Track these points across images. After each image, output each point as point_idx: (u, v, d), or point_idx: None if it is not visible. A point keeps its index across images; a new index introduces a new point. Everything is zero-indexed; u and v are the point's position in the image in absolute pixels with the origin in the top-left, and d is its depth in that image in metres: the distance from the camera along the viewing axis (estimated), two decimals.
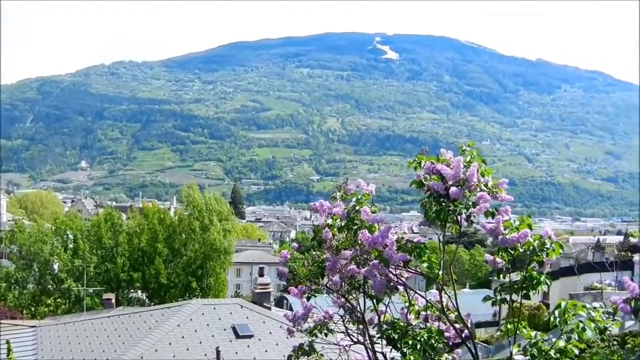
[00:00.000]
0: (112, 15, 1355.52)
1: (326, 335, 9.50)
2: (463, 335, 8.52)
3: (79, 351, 23.70)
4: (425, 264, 8.23)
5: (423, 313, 8.97)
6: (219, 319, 24.34)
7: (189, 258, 62.19)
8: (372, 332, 9.19)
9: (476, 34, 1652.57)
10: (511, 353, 7.54)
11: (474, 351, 8.17)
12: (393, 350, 8.68)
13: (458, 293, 8.84)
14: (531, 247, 7.43)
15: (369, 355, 9.22)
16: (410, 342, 7.97)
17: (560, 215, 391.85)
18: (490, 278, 72.93)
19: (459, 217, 7.81)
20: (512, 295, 7.71)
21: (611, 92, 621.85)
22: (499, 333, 44.13)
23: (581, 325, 7.07)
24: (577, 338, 7.09)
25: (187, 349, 22.11)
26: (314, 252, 9.23)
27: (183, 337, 22.76)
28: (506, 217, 7.62)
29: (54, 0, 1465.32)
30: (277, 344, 22.54)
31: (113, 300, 48.76)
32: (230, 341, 22.97)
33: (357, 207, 8.56)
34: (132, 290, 63.18)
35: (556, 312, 7.22)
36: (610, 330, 7.21)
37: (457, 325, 8.53)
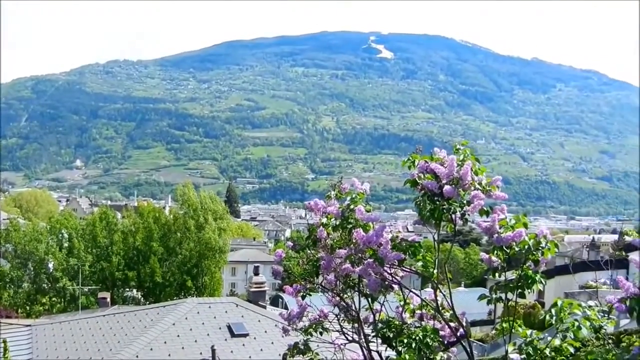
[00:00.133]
0: (106, 14, 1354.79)
1: (321, 333, 9.50)
2: (458, 333, 8.52)
3: (74, 350, 23.68)
4: (420, 263, 8.24)
5: (418, 312, 8.97)
6: (214, 317, 24.33)
7: (184, 257, 62.13)
8: (367, 330, 9.19)
9: (471, 33, 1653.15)
10: (506, 352, 7.54)
11: (469, 350, 8.17)
12: (388, 348, 8.67)
13: (453, 292, 8.86)
14: (526, 246, 7.44)
15: (364, 354, 9.21)
16: (405, 340, 7.98)
17: (555, 214, 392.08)
18: (486, 277, 73.30)
19: (453, 216, 7.80)
20: (508, 293, 7.72)
21: (606, 91, 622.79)
22: (494, 332, 44.29)
23: (577, 324, 7.08)
24: (572, 337, 7.09)
25: (183, 348, 22.10)
26: (308, 251, 9.22)
27: (178, 335, 22.75)
28: (502, 216, 7.62)
29: (49, 0, 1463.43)
30: (272, 343, 22.56)
31: (108, 299, 48.59)
32: (226, 340, 22.96)
33: (352, 206, 8.56)
34: (128, 289, 63.03)
35: (552, 311, 7.22)
36: (605, 329, 7.21)
37: (452, 324, 8.53)
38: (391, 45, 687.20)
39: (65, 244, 60.19)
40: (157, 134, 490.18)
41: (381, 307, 9.10)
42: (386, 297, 8.91)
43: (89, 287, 56.80)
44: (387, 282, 8.54)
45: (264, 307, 30.31)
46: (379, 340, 8.81)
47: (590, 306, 7.27)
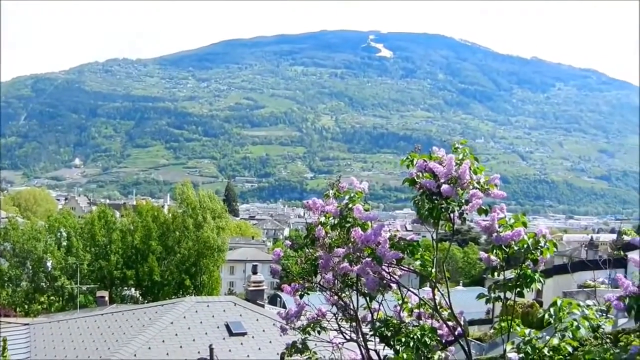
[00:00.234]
0: (106, 13, 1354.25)
1: (319, 332, 9.50)
2: (456, 332, 8.51)
3: (73, 349, 23.66)
4: (418, 262, 8.22)
5: (416, 311, 8.96)
6: (213, 316, 24.32)
7: (182, 256, 62.19)
8: (365, 329, 9.18)
9: (470, 32, 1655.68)
10: (505, 351, 7.53)
11: (467, 349, 8.16)
12: (386, 347, 8.66)
13: (451, 291, 8.85)
14: (526, 245, 7.42)
15: (362, 353, 9.21)
16: (403, 339, 7.97)
17: (554, 213, 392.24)
18: (484, 276, 73.38)
19: (451, 215, 7.79)
20: (506, 292, 7.71)
21: (605, 91, 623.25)
22: (492, 331, 44.19)
23: (575, 323, 7.07)
24: (571, 336, 7.09)
25: (181, 347, 22.09)
26: (307, 250, 9.21)
27: (176, 334, 22.74)
28: (501, 215, 7.61)
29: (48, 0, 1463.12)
30: (270, 342, 22.55)
31: (106, 298, 48.71)
32: (224, 339, 22.95)
33: (350, 205, 8.54)
34: (126, 288, 63.12)
35: (552, 310, 7.22)
36: (603, 328, 7.21)
37: (450, 323, 8.52)
38: (390, 44, 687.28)
39: (64, 243, 60.26)
40: (156, 132, 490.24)
41: (379, 306, 9.09)
42: (384, 296, 8.91)
43: (88, 286, 56.92)
44: (385, 281, 8.53)
45: (263, 306, 30.30)
46: (377, 339, 8.81)
47: (588, 305, 7.26)
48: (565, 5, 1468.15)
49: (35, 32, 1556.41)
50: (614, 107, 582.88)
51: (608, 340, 7.44)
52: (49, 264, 57.73)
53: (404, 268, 8.48)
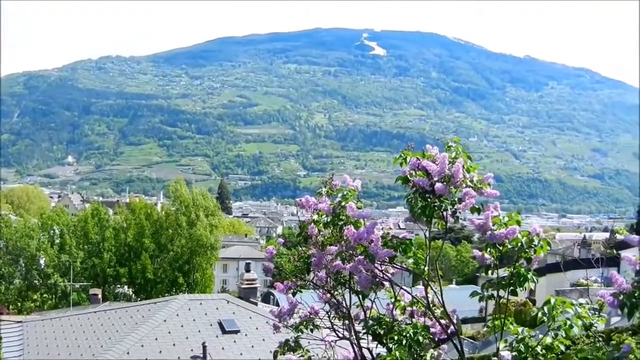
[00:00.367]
0: (99, 10, 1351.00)
1: (312, 331, 9.48)
2: (449, 331, 8.51)
3: (66, 347, 23.62)
4: (411, 260, 8.21)
5: (409, 309, 8.94)
6: (206, 314, 24.29)
7: (175, 253, 62.20)
8: (358, 327, 9.16)
9: (464, 30, 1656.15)
10: (498, 349, 7.52)
11: (459, 347, 8.16)
12: (379, 345, 8.66)
13: (444, 289, 8.84)
14: (519, 244, 7.42)
15: (354, 351, 9.19)
16: (396, 337, 7.96)
17: (547, 212, 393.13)
18: (477, 274, 73.42)
19: (444, 213, 7.79)
20: (500, 291, 7.70)
21: (598, 90, 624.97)
22: (485, 329, 44.25)
23: (568, 322, 7.07)
24: (564, 335, 7.08)
25: (174, 345, 22.05)
26: (300, 248, 9.19)
27: (169, 332, 22.70)
28: (495, 213, 7.61)
29: None
30: (263, 340, 22.53)
31: (99, 296, 48.73)
32: (217, 336, 22.93)
33: (343, 203, 8.52)
34: (119, 286, 63.08)
35: (545, 309, 7.21)
36: (596, 327, 7.21)
37: (443, 321, 8.51)
38: (384, 43, 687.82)
39: (57, 240, 60.24)
40: (149, 130, 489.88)
41: (372, 304, 9.09)
42: (377, 294, 8.90)
43: (81, 284, 56.91)
44: (378, 279, 8.52)
45: (256, 303, 30.31)
46: (370, 337, 8.80)
47: (581, 304, 7.26)
48: (558, 5, 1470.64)
49: (28, 30, 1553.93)
50: (607, 106, 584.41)
51: (600, 339, 7.44)
52: (42, 261, 57.68)
53: (397, 266, 8.48)
